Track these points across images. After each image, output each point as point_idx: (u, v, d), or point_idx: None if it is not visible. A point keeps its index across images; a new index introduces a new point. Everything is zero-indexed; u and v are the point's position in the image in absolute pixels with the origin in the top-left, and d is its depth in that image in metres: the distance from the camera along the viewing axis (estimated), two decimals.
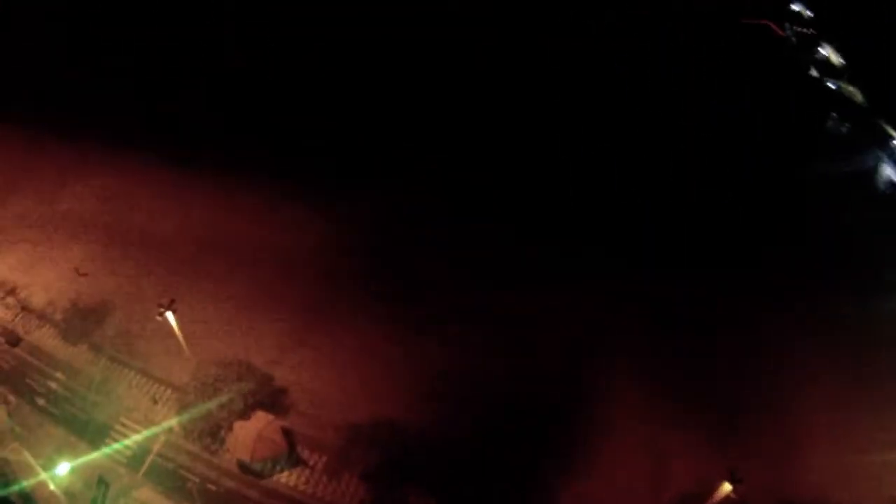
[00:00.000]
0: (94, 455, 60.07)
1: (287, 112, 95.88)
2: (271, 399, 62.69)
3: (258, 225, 79.57)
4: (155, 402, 63.09)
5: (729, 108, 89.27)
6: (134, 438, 61.16)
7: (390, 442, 57.62)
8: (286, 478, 57.92)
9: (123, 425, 61.70)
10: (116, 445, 60.57)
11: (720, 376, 63.84)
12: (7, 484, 58.72)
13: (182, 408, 61.07)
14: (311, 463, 58.47)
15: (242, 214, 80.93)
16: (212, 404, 60.32)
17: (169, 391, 63.40)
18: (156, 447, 60.02)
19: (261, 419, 59.50)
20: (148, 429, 61.49)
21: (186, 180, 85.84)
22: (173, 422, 61.34)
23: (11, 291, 73.45)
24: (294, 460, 59.01)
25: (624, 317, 68.50)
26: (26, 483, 58.32)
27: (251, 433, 58.19)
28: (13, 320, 71.20)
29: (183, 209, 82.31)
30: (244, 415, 59.73)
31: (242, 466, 58.06)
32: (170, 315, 58.70)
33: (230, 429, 59.35)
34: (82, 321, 69.18)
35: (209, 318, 69.72)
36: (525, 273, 73.22)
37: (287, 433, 60.01)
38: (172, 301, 59.11)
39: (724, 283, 71.50)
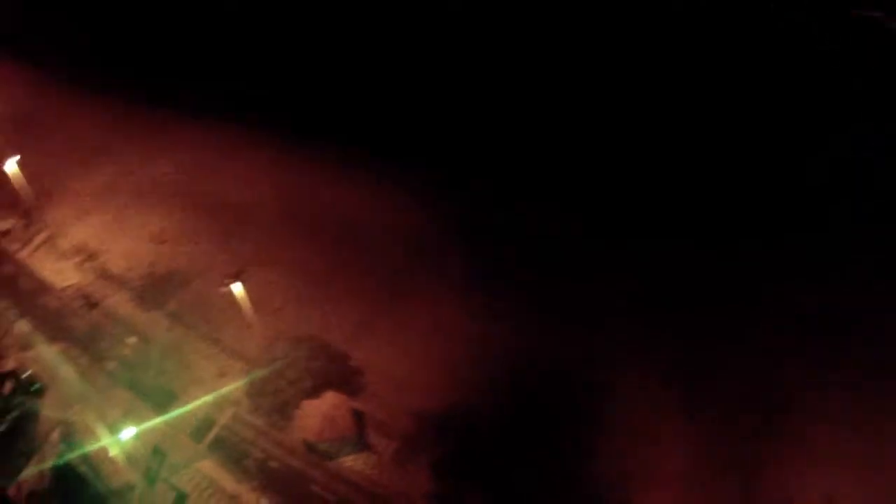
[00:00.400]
0: (160, 422, 58.09)
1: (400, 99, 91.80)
2: (344, 379, 59.54)
3: (347, 201, 76.74)
4: (223, 374, 60.62)
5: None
6: (201, 409, 58.90)
7: (463, 432, 53.55)
8: (352, 461, 54.24)
9: (191, 395, 59.56)
10: (182, 414, 58.44)
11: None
12: (70, 448, 57.28)
13: (251, 382, 58.74)
14: (380, 448, 54.55)
15: (332, 189, 78.48)
16: (281, 381, 57.89)
17: (240, 364, 60.87)
18: (222, 419, 57.62)
19: (330, 399, 56.66)
20: (216, 400, 59.22)
21: (277, 154, 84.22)
22: (241, 395, 59.02)
23: (92, 256, 73.32)
24: (362, 444, 55.26)
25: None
26: (89, 448, 56.77)
27: (319, 413, 55.55)
28: (92, 284, 70.81)
29: (270, 181, 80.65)
30: (314, 393, 56.92)
31: (308, 446, 54.98)
32: (237, 286, 56.48)
33: (298, 407, 56.77)
34: (158, 288, 68.38)
35: (286, 292, 67.30)
36: (600, 263, 67.78)
37: (357, 415, 56.70)
38: (240, 272, 57.14)
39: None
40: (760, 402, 54.22)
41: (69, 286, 71.49)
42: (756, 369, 56.91)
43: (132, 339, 64.54)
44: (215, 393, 59.58)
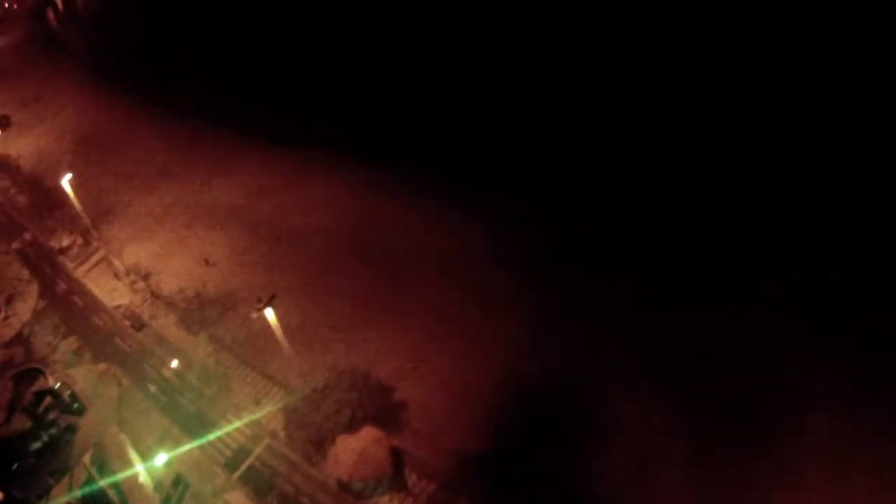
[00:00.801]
0: (194, 448, 56.07)
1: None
2: (385, 414, 56.05)
3: (407, 228, 73.89)
4: (258, 402, 58.38)
5: None
6: (236, 437, 56.56)
7: (505, 477, 49.32)
8: (387, 501, 50.44)
9: (229, 422, 57.47)
10: (217, 441, 56.31)
11: None
12: (101, 472, 55.73)
13: (288, 413, 56.11)
14: (417, 489, 50.68)
15: (393, 216, 75.89)
16: (318, 413, 54.76)
17: (280, 392, 58.49)
18: (257, 450, 54.97)
19: (368, 435, 52.97)
20: (252, 430, 56.79)
21: (339, 180, 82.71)
22: (278, 426, 56.26)
23: (145, 276, 73.39)
24: (399, 484, 51.38)
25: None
26: (119, 473, 55.09)
27: (355, 450, 51.88)
28: (141, 305, 70.45)
29: (329, 206, 78.93)
30: (351, 428, 53.43)
31: (341, 484, 51.59)
32: (269, 312, 53.62)
33: (334, 442, 53.22)
34: (205, 311, 67.11)
35: (332, 320, 64.70)
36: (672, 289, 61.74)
37: (396, 453, 52.90)
38: (273, 297, 54.96)
39: None
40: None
41: (120, 305, 71.53)
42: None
43: (174, 363, 63.44)
44: (252, 421, 57.28)
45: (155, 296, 71.14)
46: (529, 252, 69.23)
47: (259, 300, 54.66)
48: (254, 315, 56.09)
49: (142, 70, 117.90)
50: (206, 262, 73.76)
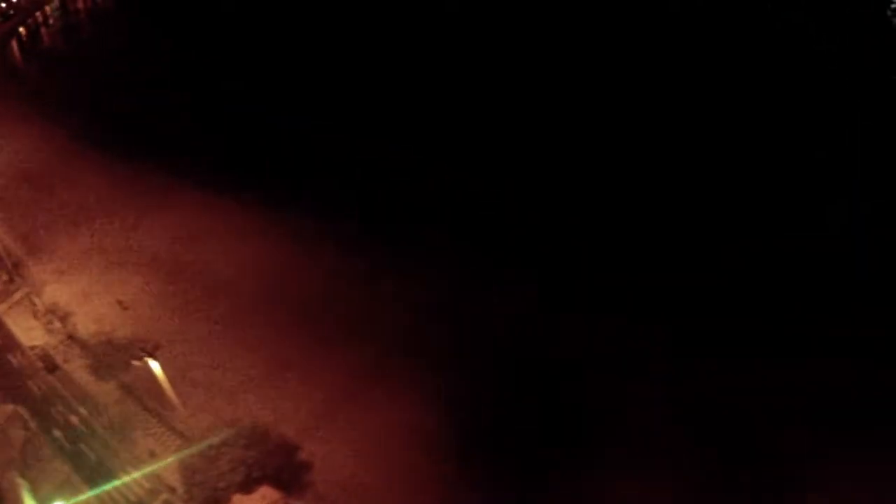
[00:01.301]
0: (92, 500, 55.41)
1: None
2: (286, 474, 54.77)
3: (330, 282, 74.58)
4: (153, 454, 57.96)
5: None
6: (136, 491, 56.08)
7: None
8: None
9: (128, 474, 56.87)
10: (116, 494, 55.68)
11: None
12: None
13: (185, 468, 55.57)
14: None
15: (317, 271, 76.37)
16: (214, 470, 54.02)
17: (178, 445, 58.13)
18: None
19: (263, 497, 52.10)
20: (152, 483, 56.26)
21: (269, 226, 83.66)
22: (178, 481, 55.56)
23: (63, 317, 73.19)
24: None
25: None
26: None
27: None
28: (56, 346, 70.15)
29: (254, 255, 79.31)
30: (246, 488, 52.68)
31: None
32: (153, 363, 53.98)
33: (229, 501, 52.67)
34: (117, 357, 66.67)
35: (240, 373, 64.47)
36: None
37: None
38: (157, 347, 55.44)
39: None
40: None
41: (35, 346, 70.94)
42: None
43: (83, 410, 63.10)
44: (151, 473, 56.67)
45: (71, 338, 70.89)
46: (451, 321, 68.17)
47: (142, 350, 55.90)
48: (135, 363, 57.42)
49: (99, 110, 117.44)
50: (121, 304, 74.11)
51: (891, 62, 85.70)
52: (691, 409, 54.34)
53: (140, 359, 65.24)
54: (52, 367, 67.96)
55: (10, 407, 65.55)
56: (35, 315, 74.69)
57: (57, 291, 77.12)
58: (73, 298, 75.50)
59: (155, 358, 55.42)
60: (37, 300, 76.14)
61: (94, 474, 58.09)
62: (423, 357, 62.43)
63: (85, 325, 71.89)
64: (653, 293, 63.34)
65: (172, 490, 56.13)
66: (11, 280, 79.38)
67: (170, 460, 58.15)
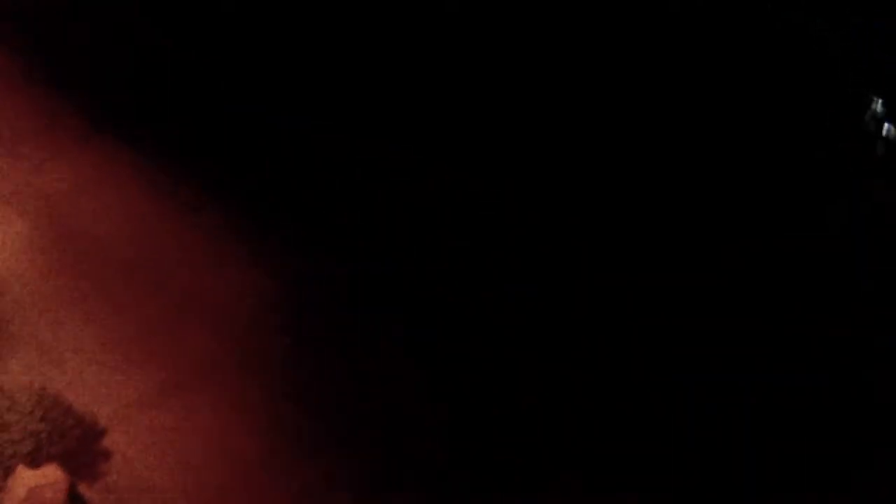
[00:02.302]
0: None
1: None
2: (80, 457, 54.89)
3: (202, 263, 73.51)
4: None
5: None
6: None
7: None
8: None
9: None
10: None
11: None
12: None
13: None
14: None
15: (195, 251, 75.68)
16: (5, 435, 53.83)
17: None
18: None
19: (47, 474, 51.25)
20: None
21: (153, 192, 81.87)
22: None
23: None
24: None
25: None
26: None
27: (27, 486, 50.58)
28: None
29: (138, 220, 77.89)
30: (33, 461, 52.69)
31: None
32: None
33: (13, 471, 52.65)
34: None
35: (65, 339, 64.42)
36: None
37: (77, 501, 51.79)
38: (3, 293, 54.16)
39: None
40: None
41: None
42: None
43: None
44: None
45: None
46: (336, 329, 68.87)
47: None
48: None
49: (52, 40, 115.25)
50: None
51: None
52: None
53: None
54: None
55: None
56: None
57: None
58: None
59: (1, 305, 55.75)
60: None
61: None
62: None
63: None
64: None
65: None
66: None
67: None
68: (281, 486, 49.30)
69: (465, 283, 65.24)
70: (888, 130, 73.97)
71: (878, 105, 73.70)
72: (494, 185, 77.68)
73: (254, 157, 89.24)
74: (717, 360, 55.68)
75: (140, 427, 52.78)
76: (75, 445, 48.31)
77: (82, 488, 45.61)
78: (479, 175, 77.77)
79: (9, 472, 43.58)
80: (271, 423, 54.44)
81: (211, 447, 53.23)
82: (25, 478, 44.15)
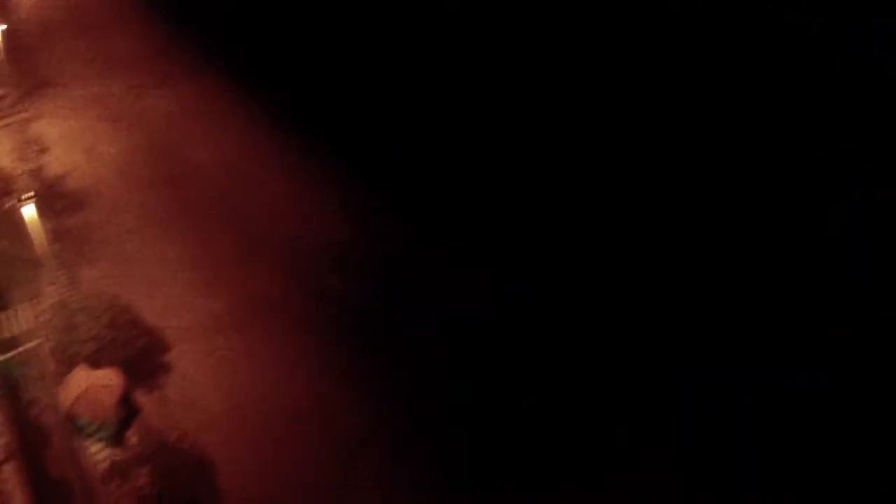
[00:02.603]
0: None
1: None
2: (140, 366, 54.06)
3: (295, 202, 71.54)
4: (37, 299, 59.41)
5: None
6: (20, 325, 58.70)
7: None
8: (96, 451, 50.09)
9: (21, 313, 59.46)
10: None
11: None
12: None
13: (51, 322, 56.08)
14: (129, 455, 49.56)
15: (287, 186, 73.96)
16: (75, 334, 53.73)
17: (61, 299, 58.64)
18: (26, 345, 56.50)
19: (103, 377, 50.95)
20: (29, 326, 58.25)
21: (261, 129, 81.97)
22: (54, 330, 55.98)
23: (39, 151, 77.57)
24: (117, 439, 50.68)
25: None
26: None
27: (82, 385, 50.47)
28: (17, 176, 73.86)
29: (236, 154, 78.22)
30: (93, 362, 52.19)
31: (65, 414, 51.43)
32: (29, 209, 53.39)
33: (74, 368, 52.36)
34: (60, 203, 69.98)
35: (156, 260, 64.09)
36: None
37: (128, 408, 51.57)
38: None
39: None
40: None
41: (2, 169, 74.89)
42: None
43: (5, 241, 65.56)
44: (27, 320, 58.82)
45: (34, 173, 74.66)
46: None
47: (85, 204, 61.16)
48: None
49: None
50: (92, 154, 77.95)
51: None
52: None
53: (77, 211, 69.38)
54: (7, 194, 69.15)
55: None
56: (19, 141, 79.47)
57: (49, 126, 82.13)
58: (58, 137, 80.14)
59: (93, 214, 57.69)
60: (29, 128, 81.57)
61: None
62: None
63: (54, 165, 76.15)
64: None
65: (50, 338, 56.78)
66: (19, 103, 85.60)
67: (45, 307, 59.02)
68: (325, 429, 49.66)
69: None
70: None
71: None
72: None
73: (360, 117, 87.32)
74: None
75: (203, 349, 54.53)
76: (138, 355, 50.09)
77: (137, 395, 48.56)
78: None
79: (70, 369, 46.34)
80: (324, 367, 55.33)
81: (265, 381, 54.04)
82: (84, 377, 46.70)
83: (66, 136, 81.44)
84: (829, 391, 53.32)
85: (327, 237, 69.54)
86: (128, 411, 52.35)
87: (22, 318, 59.12)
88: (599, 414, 53.60)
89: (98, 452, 50.79)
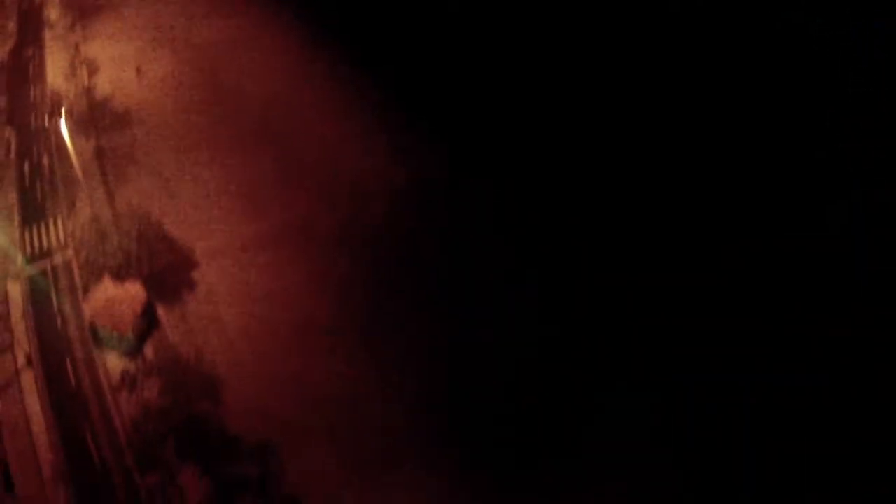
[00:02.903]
0: (16, 230, 61.35)
1: None
2: (166, 283, 56.11)
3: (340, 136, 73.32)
4: (76, 214, 61.95)
5: None
6: (52, 239, 61.08)
7: (213, 419, 49.76)
8: (114, 361, 52.64)
9: (53, 224, 62.11)
10: (36, 234, 61.21)
11: None
12: None
13: (84, 237, 58.86)
14: (146, 366, 52.14)
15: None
16: (104, 246, 56.52)
17: (97, 215, 61.88)
18: (56, 258, 58.87)
19: (128, 289, 53.19)
20: (61, 239, 60.77)
21: (317, 55, 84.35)
22: (88, 244, 59.05)
23: (91, 72, 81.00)
24: (136, 350, 52.75)
25: None
26: None
27: (106, 296, 52.63)
28: (70, 94, 77.51)
29: (286, 82, 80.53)
30: (119, 275, 54.55)
31: (89, 323, 53.88)
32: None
33: (101, 280, 54.47)
34: (107, 122, 72.90)
35: (194, 179, 66.43)
36: None
37: (149, 321, 53.52)
38: (144, 124, 56.71)
39: None
40: None
41: (56, 88, 78.72)
42: None
43: (56, 157, 68.85)
44: (60, 233, 61.43)
45: (86, 91, 77.77)
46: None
47: (131, 122, 63.39)
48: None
49: None
50: (138, 70, 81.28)
51: None
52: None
53: (121, 130, 72.06)
54: (55, 112, 73.66)
55: (6, 129, 73.23)
56: (72, 61, 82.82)
57: (100, 48, 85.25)
58: (108, 59, 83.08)
59: (135, 134, 59.08)
60: (81, 49, 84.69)
61: (30, 213, 64.11)
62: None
63: (103, 85, 79.17)
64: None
65: (78, 252, 59.24)
66: (73, 26, 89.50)
67: (78, 221, 61.74)
68: (336, 353, 53.91)
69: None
70: None
71: None
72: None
73: (423, 59, 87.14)
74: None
75: (230, 268, 56.23)
76: (164, 271, 52.38)
77: (160, 310, 50.63)
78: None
79: (97, 281, 50.43)
80: (345, 300, 55.63)
81: (287, 304, 55.93)
82: (108, 288, 49.68)
83: (116, 59, 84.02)
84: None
85: (368, 170, 71.13)
86: (148, 325, 54.01)
87: (55, 230, 61.78)
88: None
89: (114, 363, 52.82)
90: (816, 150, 74.85)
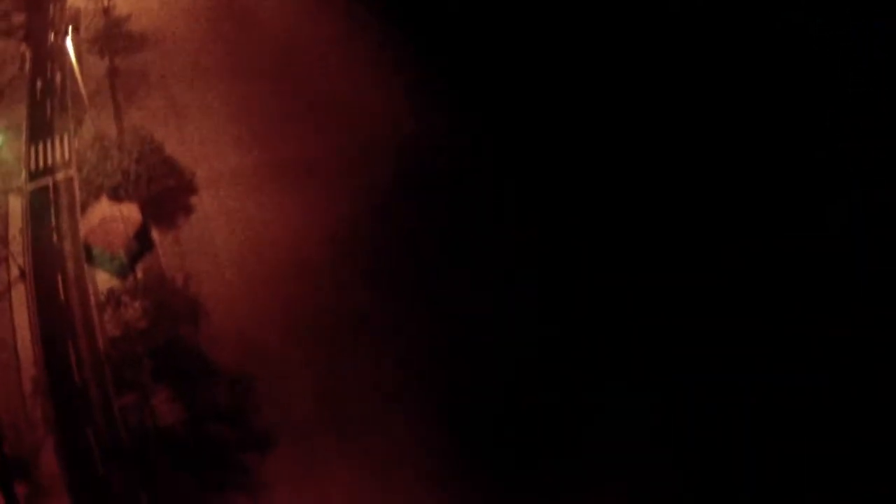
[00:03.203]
0: (22, 146, 62.19)
1: None
2: (163, 206, 56.27)
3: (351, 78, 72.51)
4: (83, 132, 62.48)
5: None
6: (55, 156, 61.96)
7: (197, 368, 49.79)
8: (104, 280, 53.03)
9: (61, 142, 62.83)
10: (41, 152, 62.33)
11: None
12: None
13: (84, 157, 58.47)
14: (136, 287, 52.10)
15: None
16: (103, 165, 55.69)
17: (102, 134, 61.68)
18: (59, 175, 59.76)
19: (124, 210, 53.18)
20: (63, 155, 61.81)
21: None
22: (87, 165, 58.76)
23: None
24: (126, 272, 52.89)
25: None
26: None
27: (101, 215, 52.85)
28: (87, 11, 77.37)
29: (308, 18, 78.92)
30: (117, 195, 54.19)
31: (83, 241, 54.19)
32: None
33: (98, 199, 54.72)
34: (122, 43, 72.86)
35: (207, 113, 65.96)
36: None
37: (142, 243, 53.77)
38: (160, 45, 57.32)
39: None
40: None
41: (74, 5, 78.77)
42: None
43: (63, 73, 69.95)
44: (64, 150, 62.56)
45: (104, 10, 77.54)
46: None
47: (146, 42, 65.03)
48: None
49: None
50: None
51: None
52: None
53: (136, 52, 72.56)
54: (71, 30, 73.19)
55: (22, 45, 74.07)
56: None
57: None
58: None
59: (150, 55, 63.76)
60: None
61: (38, 129, 64.87)
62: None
63: (122, 6, 78.33)
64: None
65: (80, 171, 59.35)
66: None
67: (83, 139, 62.22)
68: (325, 293, 56.61)
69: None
70: None
71: None
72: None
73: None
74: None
75: (229, 195, 58.09)
76: (162, 194, 54.10)
77: (154, 233, 52.70)
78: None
79: (95, 199, 52.27)
80: (340, 240, 59.00)
81: (280, 236, 57.56)
82: (104, 208, 51.34)
83: None
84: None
85: (378, 119, 70.44)
86: (141, 247, 54.29)
87: (61, 147, 62.56)
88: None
89: (103, 282, 53.30)
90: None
